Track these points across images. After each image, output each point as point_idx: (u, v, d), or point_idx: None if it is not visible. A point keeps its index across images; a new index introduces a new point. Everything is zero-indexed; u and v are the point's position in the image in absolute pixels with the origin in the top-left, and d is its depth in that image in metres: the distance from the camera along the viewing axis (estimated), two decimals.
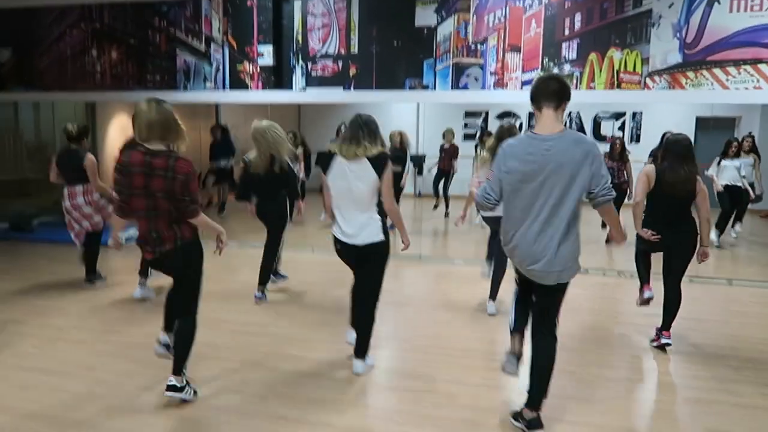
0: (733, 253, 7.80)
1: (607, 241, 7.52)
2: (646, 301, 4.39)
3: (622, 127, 13.57)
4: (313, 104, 10.68)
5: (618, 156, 7.75)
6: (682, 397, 3.57)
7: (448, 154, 9.78)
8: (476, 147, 9.91)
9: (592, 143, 2.87)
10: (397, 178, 8.02)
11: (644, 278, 4.43)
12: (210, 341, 4.03)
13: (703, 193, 4.07)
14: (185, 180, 3.00)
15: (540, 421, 3.00)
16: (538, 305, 3.04)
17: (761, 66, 5.71)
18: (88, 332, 4.46)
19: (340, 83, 6.91)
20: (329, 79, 6.93)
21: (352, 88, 6.87)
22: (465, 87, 6.54)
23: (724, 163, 7.80)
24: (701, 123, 11.70)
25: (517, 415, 3.09)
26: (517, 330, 3.32)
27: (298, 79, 7.04)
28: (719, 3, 5.74)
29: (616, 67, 6.10)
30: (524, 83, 6.36)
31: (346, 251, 3.67)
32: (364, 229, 3.57)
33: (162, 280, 4.30)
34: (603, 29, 6.08)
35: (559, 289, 2.92)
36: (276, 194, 5.13)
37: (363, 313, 3.75)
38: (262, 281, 5.30)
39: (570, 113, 13.04)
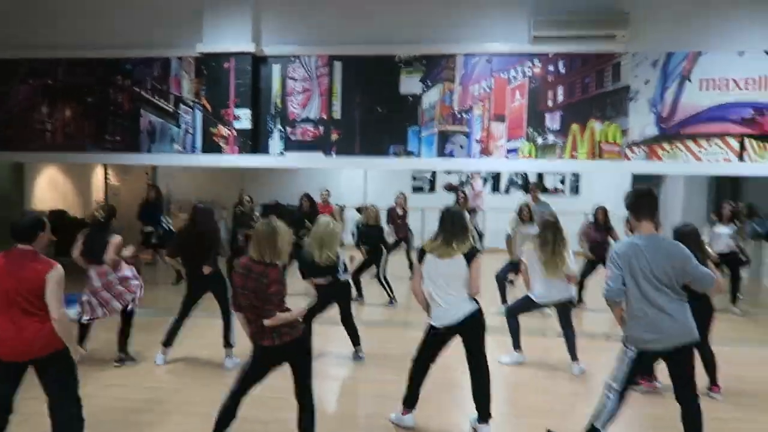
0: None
1: None
2: None
3: (563, 181, 14.26)
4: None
5: (603, 225, 7.53)
6: None
7: (403, 219, 9.21)
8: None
9: None
10: (379, 255, 7.79)
11: None
12: None
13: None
14: None
15: None
16: None
17: (729, 140, 6.11)
18: None
19: (320, 148, 6.71)
20: (309, 144, 6.72)
21: (333, 153, 6.68)
22: (451, 154, 6.54)
23: (719, 230, 7.62)
24: (636, 177, 12.51)
25: None
26: None
27: (276, 143, 6.77)
28: (690, 81, 6.14)
29: (597, 138, 6.32)
30: (509, 151, 6.45)
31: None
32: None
33: None
34: (584, 102, 6.31)
35: None
36: None
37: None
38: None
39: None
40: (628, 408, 4.46)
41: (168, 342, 5.26)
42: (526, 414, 4.37)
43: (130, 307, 5.16)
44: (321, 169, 11.24)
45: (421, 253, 3.91)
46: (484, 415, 3.91)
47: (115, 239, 5.05)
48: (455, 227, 3.81)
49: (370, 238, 7.62)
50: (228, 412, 3.38)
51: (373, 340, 5.73)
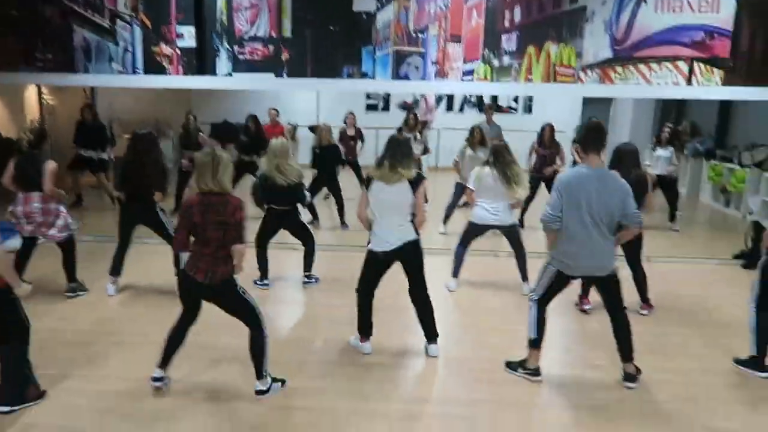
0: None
1: None
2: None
3: (516, 99, 14.26)
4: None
5: (549, 143, 7.66)
6: None
7: (354, 139, 8.85)
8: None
9: None
10: (335, 176, 7.74)
11: None
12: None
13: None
14: None
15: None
16: None
17: (679, 63, 6.18)
18: None
19: (270, 69, 6.43)
20: (259, 64, 6.42)
21: (285, 74, 6.43)
22: (406, 76, 6.39)
23: (658, 152, 7.93)
24: (587, 98, 12.68)
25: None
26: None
27: (223, 63, 6.44)
28: (645, 3, 6.08)
29: (553, 60, 6.28)
30: (465, 73, 6.35)
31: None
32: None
33: None
34: (541, 23, 6.20)
35: None
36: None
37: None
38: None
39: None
40: (570, 323, 4.75)
41: (115, 271, 5.19)
42: (474, 332, 4.59)
43: (66, 233, 4.99)
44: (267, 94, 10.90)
45: (368, 181, 3.94)
46: (430, 335, 4.13)
47: (50, 165, 4.77)
48: (400, 154, 3.84)
49: (326, 159, 7.54)
50: (175, 337, 3.48)
51: (324, 265, 5.81)
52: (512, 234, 5.41)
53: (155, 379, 3.50)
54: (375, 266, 4.01)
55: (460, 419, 3.35)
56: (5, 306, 3.20)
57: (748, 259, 6.33)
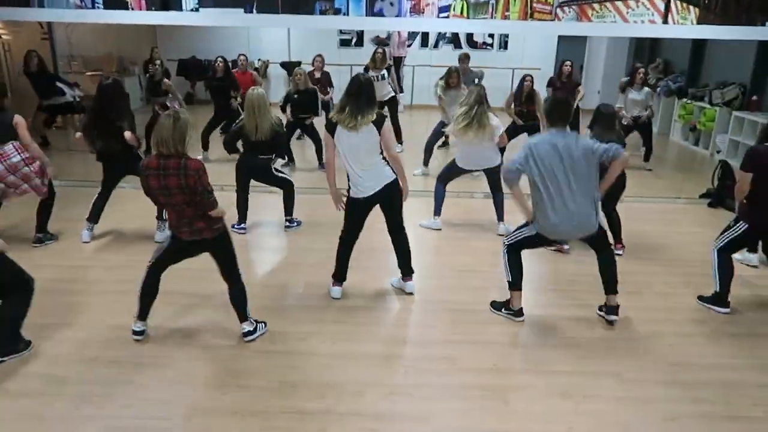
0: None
1: None
2: None
3: (491, 35, 13.99)
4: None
5: (527, 96, 7.14)
6: None
7: (322, 83, 8.39)
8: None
9: None
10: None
11: None
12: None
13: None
14: None
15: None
16: None
17: (656, 1, 6.12)
18: None
19: (240, 4, 6.16)
20: None
21: (254, 10, 6.18)
22: (380, 12, 6.21)
23: (632, 95, 7.80)
24: (562, 36, 12.48)
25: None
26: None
27: None
28: None
29: None
30: (441, 9, 6.20)
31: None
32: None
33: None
34: None
35: None
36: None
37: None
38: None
39: None
40: (549, 264, 4.87)
41: (93, 218, 5.11)
42: (454, 274, 4.69)
43: (44, 181, 4.85)
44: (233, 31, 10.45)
45: (331, 125, 3.84)
46: (407, 272, 4.25)
47: (19, 120, 4.63)
48: (361, 99, 3.74)
49: (303, 104, 7.38)
50: (149, 290, 3.50)
51: (304, 208, 5.80)
52: (494, 174, 5.44)
53: (136, 333, 3.54)
54: (357, 214, 4.02)
55: (440, 359, 3.48)
56: None
57: (714, 198, 6.53)
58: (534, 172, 3.55)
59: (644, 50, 12.29)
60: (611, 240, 4.24)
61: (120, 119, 4.83)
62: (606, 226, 3.98)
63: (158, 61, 7.95)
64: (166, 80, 7.69)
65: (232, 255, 3.50)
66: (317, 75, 8.28)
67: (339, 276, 4.18)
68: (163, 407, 3.01)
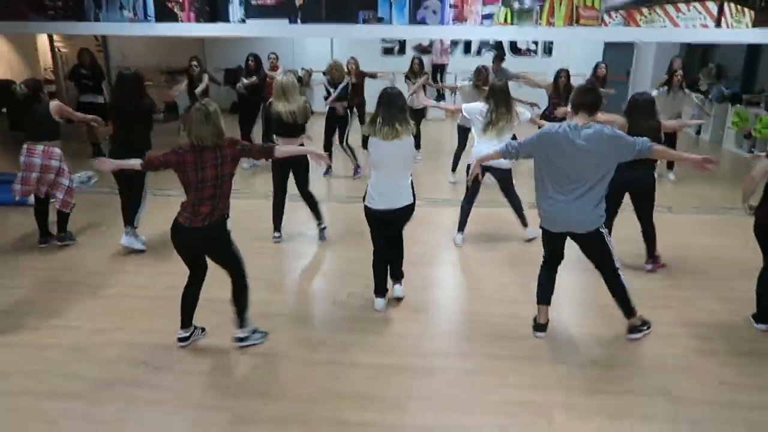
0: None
1: None
2: None
3: (535, 41, 13.82)
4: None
5: (564, 88, 7.26)
6: None
7: (357, 88, 8.20)
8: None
9: None
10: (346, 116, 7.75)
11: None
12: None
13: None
14: None
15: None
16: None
17: (708, 4, 5.91)
18: None
19: (284, 15, 6.25)
20: (272, 10, 6.24)
21: (298, 20, 6.25)
22: (423, 20, 6.18)
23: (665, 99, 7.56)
24: (609, 42, 12.20)
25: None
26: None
27: (236, 9, 6.27)
28: None
29: (576, 2, 6.03)
30: (484, 17, 6.13)
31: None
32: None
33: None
34: None
35: None
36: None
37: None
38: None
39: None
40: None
41: (127, 222, 5.15)
42: (483, 286, 4.64)
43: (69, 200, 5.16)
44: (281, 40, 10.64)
45: (366, 140, 3.89)
46: (398, 276, 4.31)
47: (54, 104, 4.99)
48: (393, 109, 3.77)
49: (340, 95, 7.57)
50: (186, 299, 3.61)
51: (341, 217, 5.85)
52: (505, 180, 5.38)
53: (180, 339, 3.63)
54: (376, 224, 4.04)
55: (482, 373, 3.44)
56: None
57: None
58: (538, 157, 3.52)
59: (696, 55, 11.89)
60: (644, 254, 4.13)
61: (133, 113, 4.90)
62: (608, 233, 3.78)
63: (196, 63, 8.46)
64: (204, 84, 8.19)
65: (232, 250, 3.53)
66: (353, 80, 8.03)
67: (379, 289, 4.18)
68: (206, 415, 3.07)
